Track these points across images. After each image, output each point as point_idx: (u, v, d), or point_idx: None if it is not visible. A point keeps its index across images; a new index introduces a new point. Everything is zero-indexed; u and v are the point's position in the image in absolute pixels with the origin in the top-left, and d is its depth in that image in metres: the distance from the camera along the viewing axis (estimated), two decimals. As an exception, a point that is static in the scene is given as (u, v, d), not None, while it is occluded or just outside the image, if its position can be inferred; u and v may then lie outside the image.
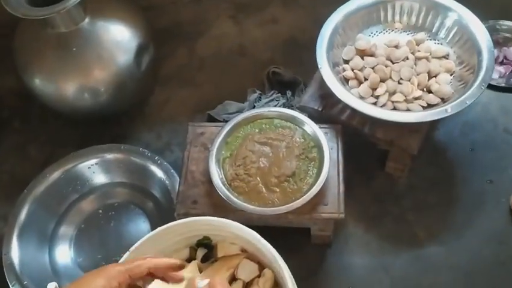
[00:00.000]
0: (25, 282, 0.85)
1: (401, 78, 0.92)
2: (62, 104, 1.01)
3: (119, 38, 1.01)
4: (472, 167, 1.02)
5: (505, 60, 1.14)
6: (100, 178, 0.99)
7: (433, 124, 0.96)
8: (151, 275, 0.56)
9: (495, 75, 1.12)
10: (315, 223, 0.85)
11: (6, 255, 0.88)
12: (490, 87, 1.11)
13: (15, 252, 0.88)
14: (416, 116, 0.85)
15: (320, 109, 0.94)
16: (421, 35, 0.98)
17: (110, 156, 0.99)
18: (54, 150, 1.08)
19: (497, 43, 1.15)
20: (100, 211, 0.97)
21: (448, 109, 0.83)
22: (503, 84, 1.11)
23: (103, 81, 1.00)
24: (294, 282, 0.66)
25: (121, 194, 0.99)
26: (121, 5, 1.05)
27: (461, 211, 0.97)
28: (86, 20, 0.97)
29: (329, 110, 0.93)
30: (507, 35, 1.17)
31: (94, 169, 0.98)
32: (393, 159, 0.96)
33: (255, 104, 1.08)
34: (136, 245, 0.66)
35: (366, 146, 1.01)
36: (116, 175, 1.00)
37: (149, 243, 0.68)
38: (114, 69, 1.00)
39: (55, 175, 0.95)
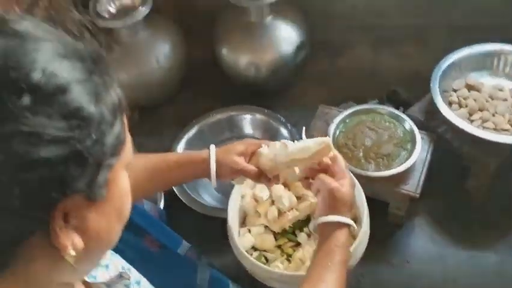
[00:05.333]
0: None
1: (495, 112, 1.15)
2: (235, 71, 1.40)
3: (287, 35, 1.37)
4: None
5: None
6: (247, 129, 1.36)
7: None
8: None
9: None
10: (394, 197, 1.10)
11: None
12: None
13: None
14: (504, 138, 1.07)
15: (422, 119, 1.19)
16: (523, 86, 1.20)
17: (258, 115, 1.34)
18: (216, 103, 1.47)
19: None
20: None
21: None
22: None
23: (266, 61, 1.37)
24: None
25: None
26: (295, 15, 1.42)
27: (521, 234, 1.14)
28: (270, 17, 1.35)
29: (429, 122, 1.19)
30: None
31: (246, 122, 1.35)
32: (474, 175, 1.17)
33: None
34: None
35: (451, 162, 1.24)
36: (256, 131, 1.36)
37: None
38: (276, 55, 1.37)
39: (219, 116, 1.34)
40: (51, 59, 0.36)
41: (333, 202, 0.72)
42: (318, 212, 0.75)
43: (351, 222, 0.72)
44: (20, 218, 0.36)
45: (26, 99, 0.34)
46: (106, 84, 0.39)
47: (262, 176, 0.80)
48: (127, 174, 0.44)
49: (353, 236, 0.90)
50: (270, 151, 0.79)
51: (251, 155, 0.82)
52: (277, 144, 0.80)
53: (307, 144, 0.75)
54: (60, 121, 0.35)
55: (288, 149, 0.77)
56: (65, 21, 1.42)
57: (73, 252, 0.38)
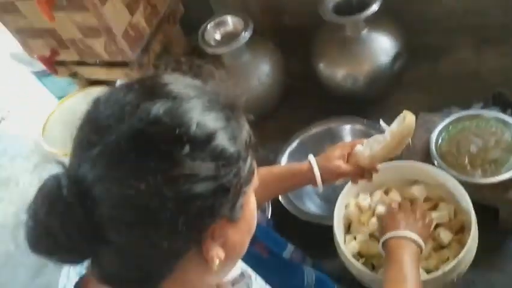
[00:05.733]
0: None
1: None
2: (333, 84, 1.46)
3: (383, 45, 1.40)
4: None
5: None
6: (346, 139, 1.40)
7: None
8: None
9: None
10: (504, 204, 1.07)
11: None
12: None
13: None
14: None
15: (533, 122, 1.14)
16: None
17: (357, 126, 1.38)
18: (315, 115, 1.52)
19: None
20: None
21: None
22: None
23: (363, 73, 1.41)
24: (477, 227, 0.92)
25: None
26: (390, 24, 1.43)
27: None
28: (365, 30, 1.39)
29: (541, 124, 1.13)
30: None
31: (345, 132, 1.40)
32: None
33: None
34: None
35: None
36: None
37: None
38: (373, 66, 1.40)
39: (319, 128, 1.40)
40: (201, 114, 0.47)
41: (381, 227, 0.91)
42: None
43: (400, 233, 0.83)
44: (183, 239, 0.47)
45: (186, 148, 0.44)
46: (240, 126, 0.49)
47: (365, 172, 0.88)
48: (254, 195, 0.54)
49: (463, 245, 0.91)
50: (365, 148, 0.85)
51: (348, 157, 0.88)
52: (369, 140, 0.86)
53: (392, 128, 0.83)
54: (210, 162, 0.45)
55: (380, 140, 0.84)
56: (178, 52, 1.59)
57: (217, 262, 0.49)
